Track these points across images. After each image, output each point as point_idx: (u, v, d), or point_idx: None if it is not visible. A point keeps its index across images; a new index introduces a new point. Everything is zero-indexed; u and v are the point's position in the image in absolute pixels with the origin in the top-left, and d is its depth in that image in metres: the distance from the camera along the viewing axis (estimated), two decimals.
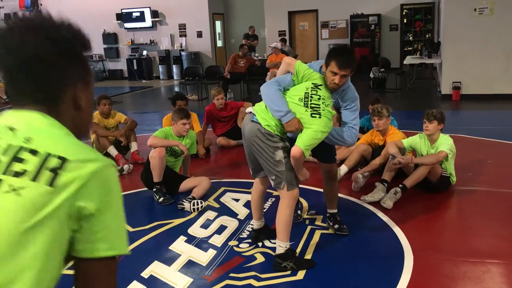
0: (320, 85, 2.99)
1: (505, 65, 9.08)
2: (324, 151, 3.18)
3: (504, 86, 9.14)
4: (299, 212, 3.85)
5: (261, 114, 2.97)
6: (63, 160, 0.95)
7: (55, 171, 0.94)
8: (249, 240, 3.49)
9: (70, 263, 1.03)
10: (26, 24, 1.03)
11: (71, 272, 1.03)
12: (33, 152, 0.95)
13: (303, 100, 2.92)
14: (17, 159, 0.95)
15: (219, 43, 17.38)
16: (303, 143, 2.86)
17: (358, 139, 5.11)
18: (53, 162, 0.94)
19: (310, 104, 2.90)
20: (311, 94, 2.94)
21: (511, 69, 9.07)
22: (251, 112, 3.07)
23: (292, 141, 2.99)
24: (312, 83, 2.99)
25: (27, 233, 0.89)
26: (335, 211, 3.59)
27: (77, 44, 1.12)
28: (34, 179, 0.93)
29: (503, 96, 9.07)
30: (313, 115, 2.87)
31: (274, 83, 3.06)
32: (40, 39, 1.01)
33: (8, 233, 0.89)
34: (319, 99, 2.93)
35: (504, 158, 5.39)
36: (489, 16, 8.94)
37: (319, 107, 2.89)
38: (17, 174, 0.93)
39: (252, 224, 3.76)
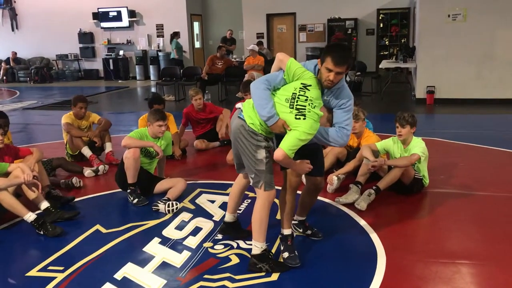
0: (309, 85, 2.88)
1: (477, 70, 9.29)
2: (315, 164, 3.11)
3: (476, 91, 9.35)
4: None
5: (248, 112, 2.94)
6: None
7: None
8: (224, 242, 3.48)
9: None
10: None
11: None
12: None
13: (289, 100, 2.84)
14: None
15: (197, 44, 17.31)
16: (287, 146, 2.78)
17: None
18: None
19: (296, 105, 2.82)
20: (299, 95, 2.85)
21: (483, 74, 9.29)
22: (240, 108, 3.04)
23: (281, 139, 2.92)
24: (301, 83, 2.89)
25: None
26: (304, 218, 3.57)
27: None
28: None
29: (475, 100, 9.28)
30: (297, 116, 2.80)
31: (264, 82, 2.94)
32: None
33: None
34: (306, 100, 2.83)
35: (475, 161, 5.51)
36: (462, 22, 9.14)
37: (305, 109, 2.81)
38: None
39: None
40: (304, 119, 2.79)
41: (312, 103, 2.83)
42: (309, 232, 3.54)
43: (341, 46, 3.04)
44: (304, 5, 15.57)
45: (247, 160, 2.95)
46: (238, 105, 3.11)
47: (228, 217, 3.50)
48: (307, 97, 2.84)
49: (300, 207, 3.52)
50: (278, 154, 2.80)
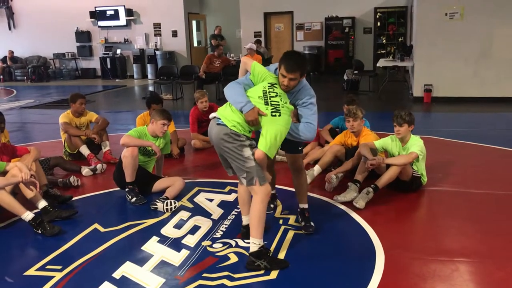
0: (276, 84, 3.11)
1: (474, 68, 9.31)
2: (288, 141, 3.24)
3: (473, 89, 9.37)
4: (271, 206, 3.95)
5: (227, 117, 3.03)
6: None
7: None
8: (223, 240, 3.48)
9: None
10: None
11: None
12: None
13: (262, 98, 3.01)
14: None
15: (195, 43, 17.29)
16: (266, 144, 2.92)
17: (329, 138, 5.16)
18: None
19: (270, 101, 3.00)
20: (269, 91, 3.05)
21: (480, 73, 9.31)
22: (215, 117, 3.12)
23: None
24: (268, 83, 3.11)
25: None
26: (305, 206, 3.64)
27: None
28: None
29: (472, 99, 9.30)
30: (273, 113, 2.96)
31: (234, 82, 3.21)
32: None
33: None
34: (276, 95, 3.03)
35: (473, 159, 5.52)
36: (459, 20, 9.15)
37: (279, 104, 2.99)
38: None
39: (225, 224, 3.78)
40: (280, 115, 2.97)
41: (282, 99, 3.04)
42: (303, 223, 3.61)
43: (295, 54, 3.22)
44: (301, 4, 15.57)
45: (236, 162, 3.00)
46: (213, 115, 3.16)
47: (246, 220, 3.48)
48: (277, 93, 3.06)
49: (296, 194, 3.69)
50: (259, 154, 2.95)
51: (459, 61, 9.30)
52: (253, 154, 2.96)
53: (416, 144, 4.26)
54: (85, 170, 5.19)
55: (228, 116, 3.03)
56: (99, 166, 5.29)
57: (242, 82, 3.19)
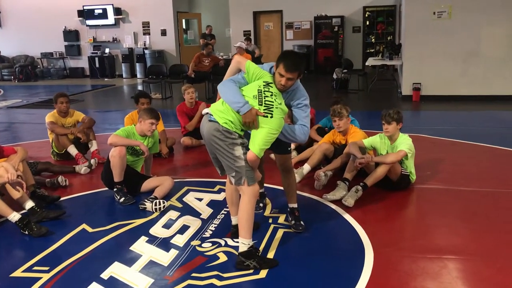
0: (271, 82, 3.09)
1: (462, 67, 9.38)
2: (277, 142, 3.24)
3: (461, 88, 9.44)
4: (261, 205, 3.96)
5: (219, 114, 3.01)
6: None
7: None
8: (212, 240, 3.47)
9: None
10: None
11: None
12: None
13: (257, 97, 3.00)
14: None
15: (189, 42, 17.20)
16: (258, 146, 2.94)
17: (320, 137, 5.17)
18: None
19: (264, 101, 2.98)
20: (264, 90, 3.03)
21: (468, 71, 9.38)
22: (207, 113, 3.10)
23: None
24: (263, 81, 3.08)
25: None
26: (295, 206, 3.64)
27: None
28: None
29: (460, 97, 9.37)
30: (266, 114, 2.95)
31: (229, 80, 3.16)
32: None
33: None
34: (271, 95, 3.02)
35: (461, 157, 5.56)
36: (447, 19, 9.22)
37: (272, 105, 2.98)
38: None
39: (215, 224, 3.77)
40: (272, 117, 2.96)
41: (277, 99, 3.02)
42: (293, 222, 3.62)
43: (294, 54, 3.24)
44: (290, 3, 15.57)
45: (226, 160, 2.99)
46: (205, 110, 3.15)
47: (234, 220, 3.46)
48: (272, 92, 3.04)
49: (285, 194, 3.67)
50: (251, 156, 2.95)
51: (448, 59, 9.36)
52: (244, 154, 2.95)
53: (404, 142, 4.27)
54: (83, 168, 5.17)
55: (220, 113, 3.00)
56: (92, 161, 5.34)
57: (237, 80, 3.14)
